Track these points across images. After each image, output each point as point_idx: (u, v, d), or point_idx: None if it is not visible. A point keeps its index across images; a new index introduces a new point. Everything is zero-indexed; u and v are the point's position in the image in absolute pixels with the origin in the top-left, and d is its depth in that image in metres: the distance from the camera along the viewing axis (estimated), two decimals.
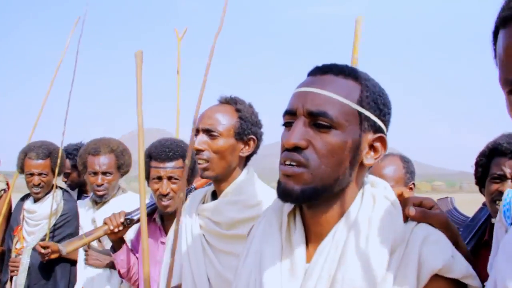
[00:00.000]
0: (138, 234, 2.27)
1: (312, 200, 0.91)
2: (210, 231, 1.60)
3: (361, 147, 0.92)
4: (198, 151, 1.57)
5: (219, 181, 1.63)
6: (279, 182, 0.92)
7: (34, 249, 2.71)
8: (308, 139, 0.89)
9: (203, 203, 1.71)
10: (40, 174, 2.75)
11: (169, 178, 2.06)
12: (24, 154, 2.78)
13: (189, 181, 2.17)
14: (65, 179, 3.30)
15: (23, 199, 2.97)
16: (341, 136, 0.89)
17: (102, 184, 2.50)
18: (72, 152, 3.32)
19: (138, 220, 2.15)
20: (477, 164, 1.71)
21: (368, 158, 0.94)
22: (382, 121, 0.95)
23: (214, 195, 1.70)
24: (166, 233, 2.15)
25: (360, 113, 0.91)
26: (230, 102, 1.65)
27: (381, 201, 0.95)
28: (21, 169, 2.81)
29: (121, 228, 2.12)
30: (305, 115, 0.90)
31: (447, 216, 1.03)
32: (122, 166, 2.56)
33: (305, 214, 0.97)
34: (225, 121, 1.59)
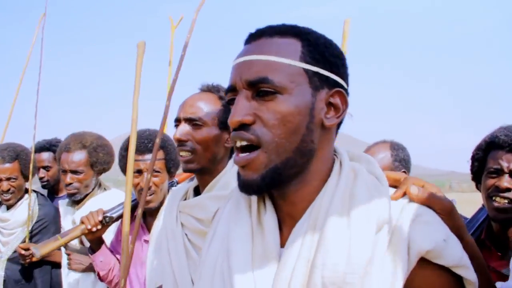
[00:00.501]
0: (118, 233, 2.09)
1: (277, 184, 0.80)
2: (193, 230, 1.45)
3: (316, 108, 0.80)
4: (181, 142, 1.43)
5: (203, 174, 1.48)
6: (238, 175, 0.83)
7: (9, 260, 2.51)
8: (254, 112, 0.79)
9: (185, 199, 1.55)
10: (8, 179, 2.53)
11: (154, 171, 1.89)
12: None
13: (170, 174, 2.00)
14: (43, 175, 3.07)
15: None
16: (289, 100, 0.78)
17: (70, 183, 2.30)
18: (55, 144, 3.10)
19: (118, 218, 1.98)
20: (473, 158, 1.61)
21: (329, 118, 0.82)
22: (336, 74, 0.83)
23: (197, 191, 1.54)
24: (149, 230, 1.98)
25: (306, 70, 0.80)
26: (212, 90, 1.50)
27: (363, 176, 0.83)
28: None
29: (99, 227, 1.93)
30: (245, 87, 0.80)
31: (453, 204, 0.87)
32: (95, 164, 2.34)
33: (274, 194, 0.86)
34: (208, 109, 1.45)
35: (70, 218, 2.37)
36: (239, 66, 0.82)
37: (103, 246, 2.00)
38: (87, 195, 2.38)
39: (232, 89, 0.82)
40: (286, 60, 0.79)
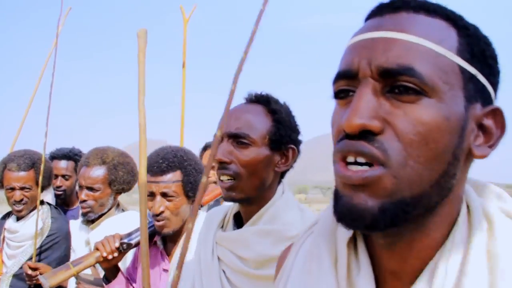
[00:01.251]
0: (135, 260, 1.91)
1: (397, 224, 0.55)
2: (234, 268, 1.22)
3: (468, 128, 0.56)
4: (222, 164, 1.20)
5: (249, 204, 1.25)
6: (337, 196, 0.58)
7: (15, 276, 2.34)
8: (383, 116, 0.54)
9: (222, 227, 1.34)
10: (22, 189, 2.37)
11: (163, 194, 1.67)
12: (4, 165, 2.40)
13: (189, 198, 1.74)
14: (60, 184, 2.91)
15: (5, 217, 2.58)
16: (438, 108, 0.54)
17: (85, 200, 2.13)
18: (78, 154, 2.96)
19: (136, 244, 1.79)
20: None
21: (478, 146, 0.58)
22: (492, 85, 0.60)
23: (238, 218, 1.33)
24: (170, 259, 1.79)
25: (462, 70, 0.56)
26: (262, 100, 1.26)
27: (501, 222, 0.58)
28: (1, 182, 2.43)
29: (115, 254, 1.74)
30: (374, 76, 0.55)
31: None
32: (114, 182, 2.16)
33: (373, 243, 0.62)
34: (258, 124, 1.21)
35: (84, 238, 2.21)
36: (366, 44, 0.57)
37: (120, 274, 1.82)
38: (102, 215, 2.21)
39: (349, 75, 0.57)
40: (440, 48, 0.55)
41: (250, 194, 1.21)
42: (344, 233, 0.65)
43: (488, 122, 0.58)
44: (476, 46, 0.58)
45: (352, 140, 0.54)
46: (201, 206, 1.91)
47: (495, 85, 0.60)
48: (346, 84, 0.58)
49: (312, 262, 0.67)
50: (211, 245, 1.28)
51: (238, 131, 1.19)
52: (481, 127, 0.58)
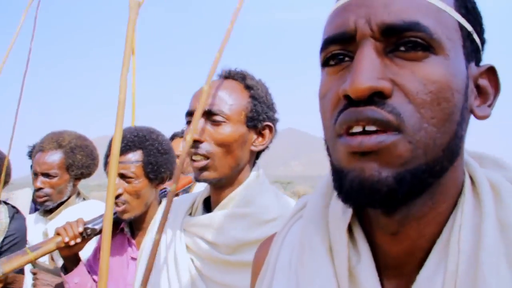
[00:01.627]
0: (98, 251, 1.74)
1: (415, 196, 0.49)
2: (204, 256, 1.13)
3: (469, 87, 0.53)
4: (194, 143, 1.11)
5: (221, 186, 1.16)
6: (340, 175, 0.50)
7: None
8: (391, 77, 0.48)
9: (190, 214, 1.24)
10: None
11: (121, 175, 1.53)
12: None
13: (152, 181, 1.60)
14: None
15: None
16: (446, 65, 0.49)
17: (41, 188, 1.95)
18: None
19: (101, 231, 1.63)
20: None
21: (478, 106, 0.55)
22: (482, 44, 0.57)
23: (207, 204, 1.23)
24: (138, 246, 1.66)
25: (461, 27, 0.52)
26: (237, 76, 1.19)
27: (508, 190, 0.53)
28: None
29: (78, 240, 1.57)
30: (375, 35, 0.49)
31: None
32: (72, 167, 1.99)
33: (372, 228, 0.55)
34: (233, 100, 1.13)
35: (41, 229, 2.02)
36: (361, 1, 0.51)
37: (80, 264, 1.65)
38: (61, 203, 2.03)
39: (344, 39, 0.51)
40: (442, 3, 0.51)
41: (224, 174, 1.13)
42: (339, 219, 0.57)
43: (483, 81, 0.55)
44: (469, 2, 0.54)
45: (359, 106, 0.47)
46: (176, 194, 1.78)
47: (483, 44, 0.57)
48: (339, 48, 0.51)
49: (304, 252, 0.59)
50: (178, 233, 1.19)
51: (211, 108, 1.11)
52: (477, 87, 0.55)
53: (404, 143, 0.47)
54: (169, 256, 1.18)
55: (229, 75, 1.19)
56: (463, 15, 0.53)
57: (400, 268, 0.54)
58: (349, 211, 0.57)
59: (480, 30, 0.55)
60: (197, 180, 1.16)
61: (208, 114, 1.12)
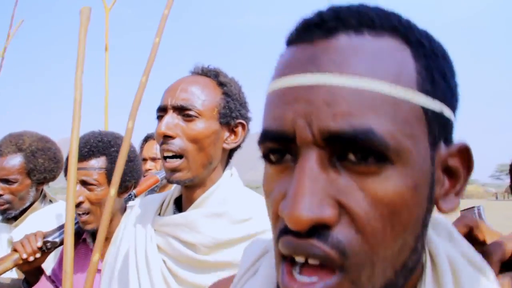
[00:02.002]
0: (62, 259, 1.69)
1: None
2: (177, 256, 1.10)
3: (435, 181, 0.45)
4: (166, 139, 1.08)
5: (194, 185, 1.14)
6: None
7: None
8: (337, 198, 0.40)
9: (159, 214, 1.21)
10: None
11: (83, 182, 1.47)
12: None
13: (126, 186, 1.56)
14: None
15: None
16: (404, 176, 0.41)
17: (0, 195, 1.85)
18: None
19: (62, 243, 1.58)
20: (510, 171, 1.60)
21: (445, 195, 0.46)
22: (452, 107, 0.46)
23: (178, 203, 1.21)
24: (102, 257, 1.61)
25: (425, 111, 0.42)
26: (209, 74, 1.17)
27: (467, 274, 0.49)
28: None
29: (38, 255, 1.50)
30: (318, 142, 0.40)
31: None
32: (33, 172, 1.88)
33: None
34: (206, 96, 1.11)
35: (5, 238, 1.93)
36: (300, 94, 0.41)
37: (43, 277, 1.59)
38: (25, 210, 1.94)
39: (282, 138, 0.42)
40: (399, 89, 0.40)
41: (197, 173, 1.11)
42: None
43: (454, 162, 0.46)
44: (436, 69, 0.43)
45: (299, 238, 0.40)
46: (135, 196, 1.74)
47: (456, 108, 0.47)
48: (278, 145, 0.43)
49: None
50: (149, 233, 1.16)
51: (184, 103, 1.09)
52: (446, 169, 0.46)
53: (346, 285, 0.40)
54: (139, 257, 1.15)
55: (201, 72, 1.18)
56: (429, 92, 0.42)
57: None
58: None
59: (452, 94, 0.45)
60: (169, 181, 1.13)
61: (180, 110, 1.10)
